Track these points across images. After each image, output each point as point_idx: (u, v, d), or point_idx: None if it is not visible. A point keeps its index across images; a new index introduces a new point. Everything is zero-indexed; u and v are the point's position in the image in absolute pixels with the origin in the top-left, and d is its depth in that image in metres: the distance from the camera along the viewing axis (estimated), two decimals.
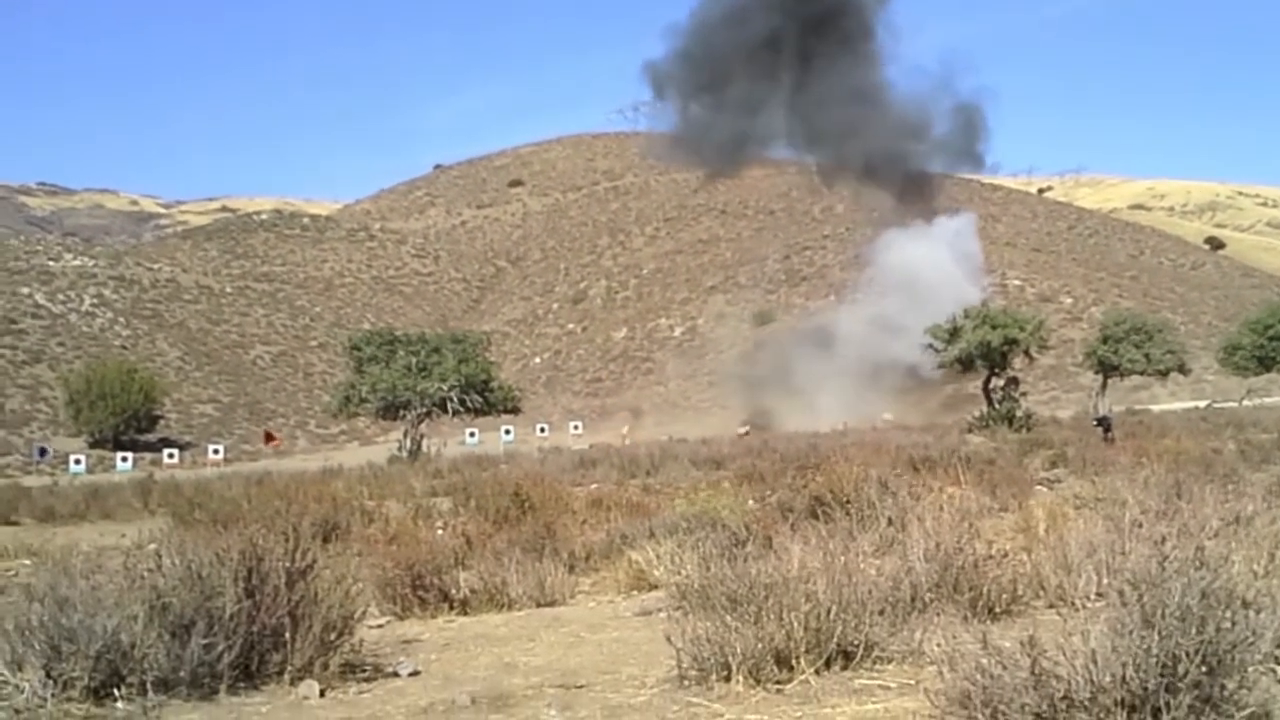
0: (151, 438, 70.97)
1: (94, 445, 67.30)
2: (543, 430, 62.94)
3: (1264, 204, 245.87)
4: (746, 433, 55.31)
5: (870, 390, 75.86)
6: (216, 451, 60.38)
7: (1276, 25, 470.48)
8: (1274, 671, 5.32)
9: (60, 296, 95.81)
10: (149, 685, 5.87)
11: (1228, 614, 4.70)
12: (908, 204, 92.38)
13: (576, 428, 64.14)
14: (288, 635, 6.32)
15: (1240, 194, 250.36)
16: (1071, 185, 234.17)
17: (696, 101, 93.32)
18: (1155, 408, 57.50)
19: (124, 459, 58.16)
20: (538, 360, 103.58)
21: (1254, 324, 62.22)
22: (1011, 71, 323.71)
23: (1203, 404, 59.65)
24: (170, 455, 60.36)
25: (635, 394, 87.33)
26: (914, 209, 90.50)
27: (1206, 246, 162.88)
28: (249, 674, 6.28)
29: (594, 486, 21.71)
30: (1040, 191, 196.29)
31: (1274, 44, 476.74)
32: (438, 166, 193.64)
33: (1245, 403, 56.77)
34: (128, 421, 69.86)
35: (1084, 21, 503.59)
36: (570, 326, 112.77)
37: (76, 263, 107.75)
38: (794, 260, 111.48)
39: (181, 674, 5.99)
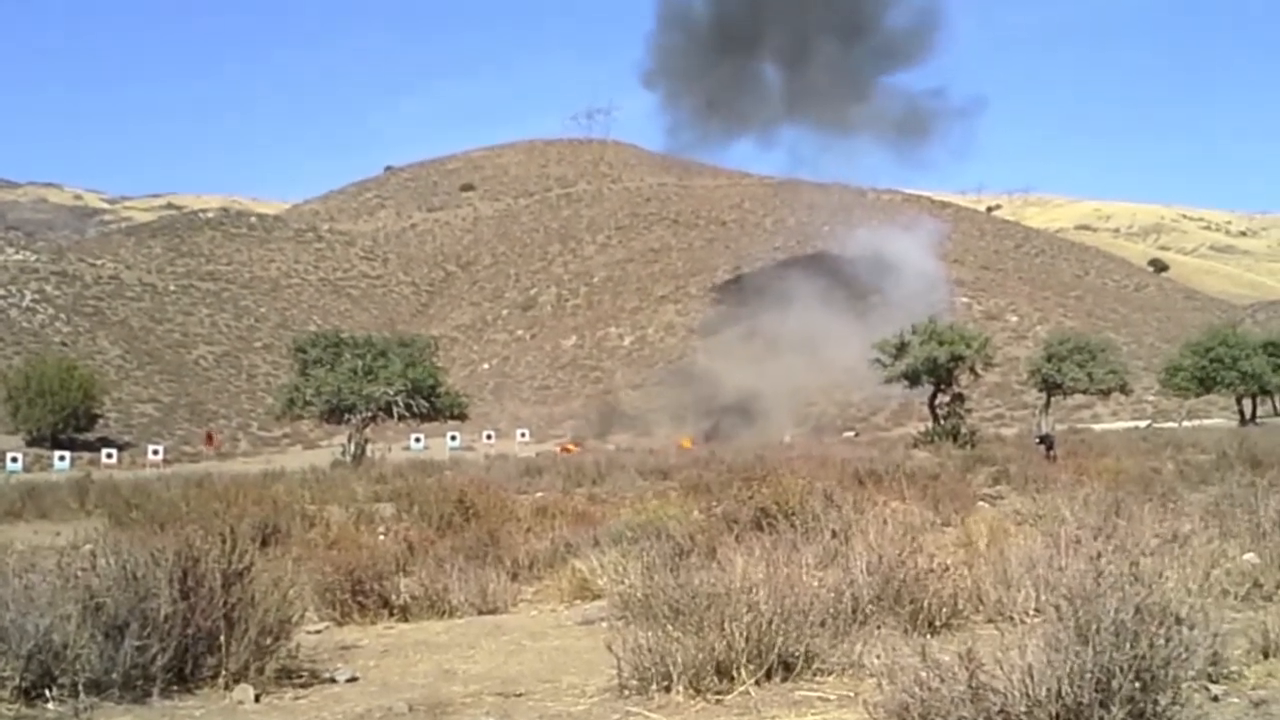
0: (90, 437, 69.86)
1: (31, 443, 66.14)
2: (489, 437, 62.73)
3: (1207, 227, 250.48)
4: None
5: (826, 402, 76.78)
6: (156, 452, 59.54)
7: (1222, 52, 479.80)
8: (1206, 688, 5.39)
9: (1, 291, 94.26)
10: (81, 686, 5.78)
11: (1161, 630, 4.75)
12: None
13: (524, 435, 64.00)
14: (223, 638, 6.24)
15: (1184, 217, 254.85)
16: (1019, 204, 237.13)
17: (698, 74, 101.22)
18: (1097, 427, 58.24)
19: (61, 458, 57.22)
20: (486, 366, 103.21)
21: (1195, 346, 63.15)
22: (961, 91, 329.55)
23: (1143, 424, 60.46)
24: (109, 455, 59.45)
25: (583, 403, 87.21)
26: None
27: (1150, 268, 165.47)
28: (183, 677, 6.20)
29: (539, 495, 21.65)
30: (989, 210, 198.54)
31: (1220, 70, 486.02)
32: (388, 168, 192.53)
33: (1185, 424, 57.61)
34: (66, 420, 68.72)
35: (1033, 43, 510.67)
36: (519, 333, 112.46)
37: (18, 257, 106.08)
38: (745, 271, 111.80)
39: (114, 676, 5.90)
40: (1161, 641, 4.71)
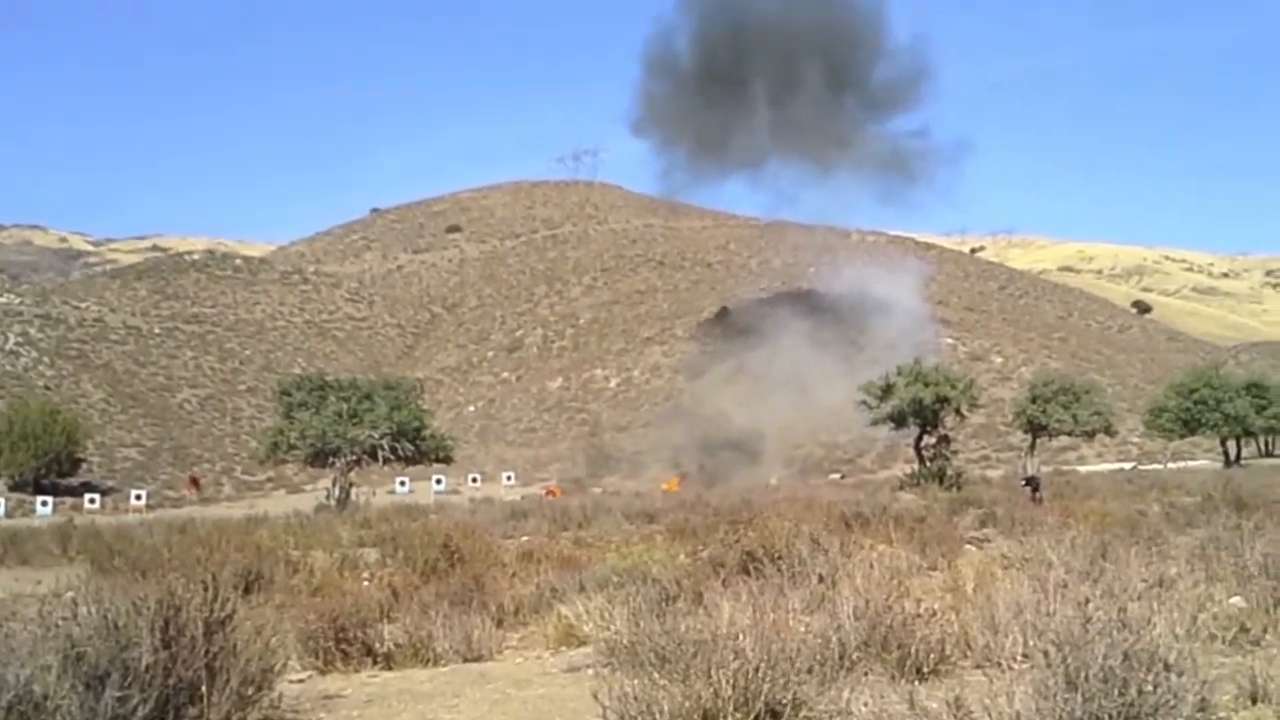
0: (73, 481, 69.37)
1: (14, 488, 65.61)
2: (475, 480, 62.48)
3: (1190, 269, 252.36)
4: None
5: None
6: (139, 497, 59.14)
7: (1204, 97, 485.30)
8: None
9: None
10: None
11: (1149, 676, 4.74)
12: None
13: (509, 478, 63.80)
14: (204, 688, 6.17)
15: (1167, 259, 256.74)
16: (1003, 246, 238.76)
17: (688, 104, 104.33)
18: (1082, 468, 58.29)
19: (44, 503, 56.80)
20: (471, 409, 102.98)
21: (1179, 387, 63.45)
22: (946, 133, 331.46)
23: (1129, 465, 60.57)
24: (92, 500, 59.03)
25: (569, 445, 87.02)
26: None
27: (1133, 310, 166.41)
28: None
29: (525, 539, 21.54)
30: (973, 251, 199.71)
31: (1202, 114, 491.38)
32: (375, 210, 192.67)
33: (1170, 465, 57.74)
34: (49, 464, 68.23)
35: (1018, 87, 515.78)
36: (505, 375, 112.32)
37: (2, 300, 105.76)
38: (730, 316, 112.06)
39: None
40: (1150, 688, 4.70)
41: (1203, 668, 5.87)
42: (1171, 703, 4.81)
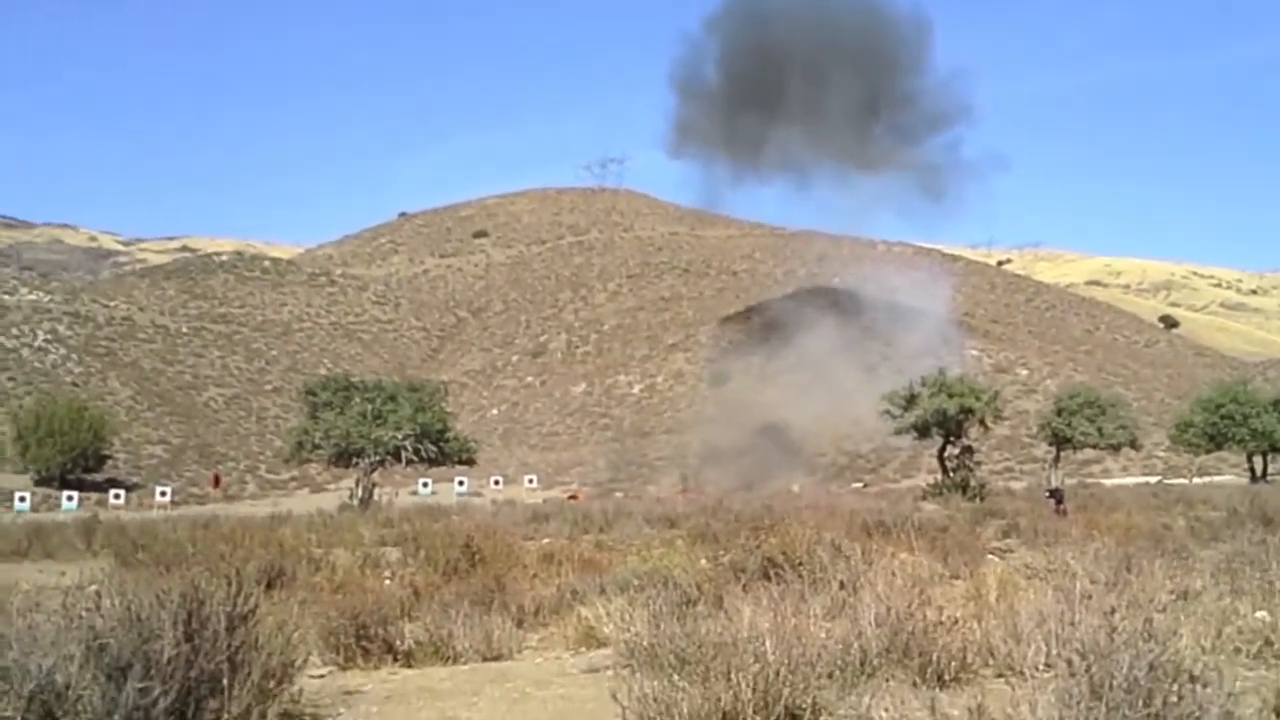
0: (99, 477, 69.87)
1: (40, 483, 66.15)
2: (497, 483, 62.64)
3: (1217, 285, 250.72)
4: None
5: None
6: (164, 494, 59.51)
7: (1234, 113, 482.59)
8: None
9: (14, 331, 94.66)
10: None
11: (1175, 687, 4.70)
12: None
13: (531, 481, 63.91)
14: (226, 681, 6.19)
15: (1195, 274, 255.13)
16: (1030, 259, 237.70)
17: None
18: (1107, 482, 57.94)
19: (70, 498, 57.22)
20: (495, 412, 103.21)
21: (1205, 402, 62.86)
22: (975, 146, 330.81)
23: (1154, 480, 60.16)
24: (116, 496, 59.42)
25: (592, 450, 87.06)
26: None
27: (1160, 325, 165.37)
28: (184, 719, 6.14)
29: (546, 541, 21.56)
30: (999, 264, 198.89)
31: (1230, 131, 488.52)
32: (403, 214, 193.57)
33: (1195, 480, 57.31)
34: (75, 460, 68.73)
35: (1047, 102, 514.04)
36: (529, 379, 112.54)
37: (32, 297, 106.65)
38: (755, 321, 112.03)
39: (116, 718, 5.84)
40: (1175, 699, 4.66)
41: (1228, 680, 5.81)
42: (1196, 714, 4.77)
